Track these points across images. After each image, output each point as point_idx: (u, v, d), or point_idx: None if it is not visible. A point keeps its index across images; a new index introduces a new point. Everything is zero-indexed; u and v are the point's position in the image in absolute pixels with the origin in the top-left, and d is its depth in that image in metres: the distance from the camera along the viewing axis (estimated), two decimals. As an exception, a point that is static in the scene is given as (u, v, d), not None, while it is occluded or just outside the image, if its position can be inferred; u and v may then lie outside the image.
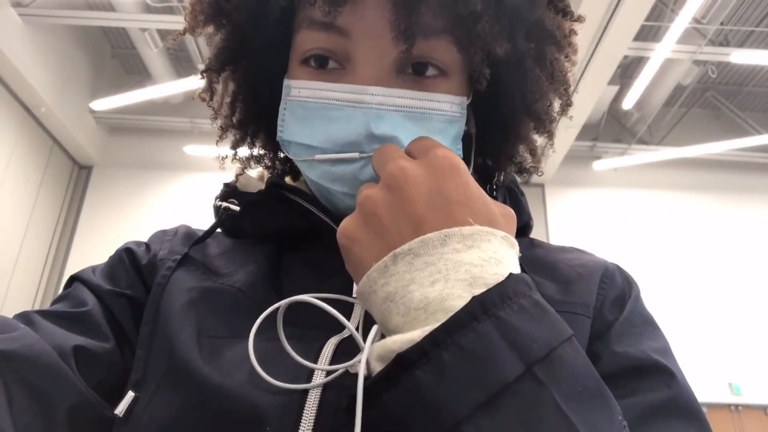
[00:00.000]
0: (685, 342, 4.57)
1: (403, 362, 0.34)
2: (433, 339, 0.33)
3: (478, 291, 0.35)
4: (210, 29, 0.56)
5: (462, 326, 0.33)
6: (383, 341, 0.37)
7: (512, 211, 0.44)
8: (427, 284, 0.36)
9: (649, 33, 4.58)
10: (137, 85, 5.05)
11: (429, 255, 0.37)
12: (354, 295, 0.47)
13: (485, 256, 0.37)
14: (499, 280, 0.36)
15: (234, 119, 0.62)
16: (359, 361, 0.37)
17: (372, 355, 0.37)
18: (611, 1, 3.42)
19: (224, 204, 0.60)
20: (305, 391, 0.42)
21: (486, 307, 0.34)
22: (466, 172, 0.41)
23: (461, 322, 0.33)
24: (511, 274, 0.36)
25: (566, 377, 0.33)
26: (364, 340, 0.39)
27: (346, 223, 0.41)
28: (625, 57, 4.45)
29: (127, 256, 0.57)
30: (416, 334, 0.34)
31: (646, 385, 0.46)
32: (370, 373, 0.37)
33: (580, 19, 0.55)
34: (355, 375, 0.36)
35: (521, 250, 0.54)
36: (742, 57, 4.51)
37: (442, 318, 0.34)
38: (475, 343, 0.33)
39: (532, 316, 0.35)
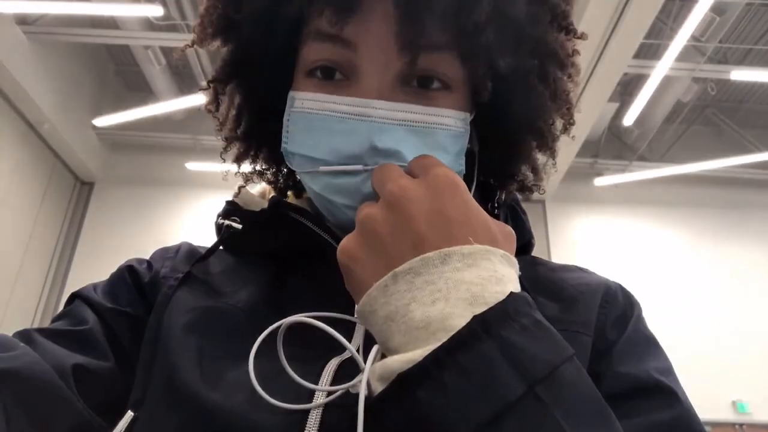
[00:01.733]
0: (688, 360, 4.54)
1: (404, 382, 0.33)
2: (434, 358, 0.33)
3: (478, 310, 0.35)
4: (218, 42, 0.56)
5: (463, 345, 0.33)
6: (384, 361, 0.37)
7: (511, 229, 0.44)
8: (428, 303, 0.36)
9: (648, 51, 4.62)
10: (140, 102, 5.08)
11: (429, 274, 0.37)
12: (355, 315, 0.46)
13: (485, 275, 0.37)
14: (500, 299, 0.35)
15: (239, 131, 0.62)
16: (360, 382, 0.37)
17: (373, 375, 0.37)
18: (611, 19, 3.46)
19: (226, 222, 0.60)
20: (306, 412, 0.42)
21: (487, 326, 0.34)
22: (466, 191, 0.41)
23: (463, 341, 0.33)
24: (511, 292, 0.36)
25: (568, 396, 0.33)
26: (366, 360, 0.38)
27: (346, 242, 0.41)
28: (625, 74, 4.48)
29: (128, 273, 0.57)
30: (417, 354, 0.34)
31: (649, 406, 0.46)
32: (371, 393, 0.37)
33: (583, 36, 0.56)
34: (357, 395, 0.36)
35: (523, 269, 0.54)
36: (741, 75, 4.54)
37: (443, 337, 0.34)
38: (476, 362, 0.32)
39: (534, 335, 0.34)
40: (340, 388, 0.41)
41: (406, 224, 0.39)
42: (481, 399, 0.31)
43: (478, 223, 0.40)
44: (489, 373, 0.32)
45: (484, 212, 0.42)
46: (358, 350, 0.45)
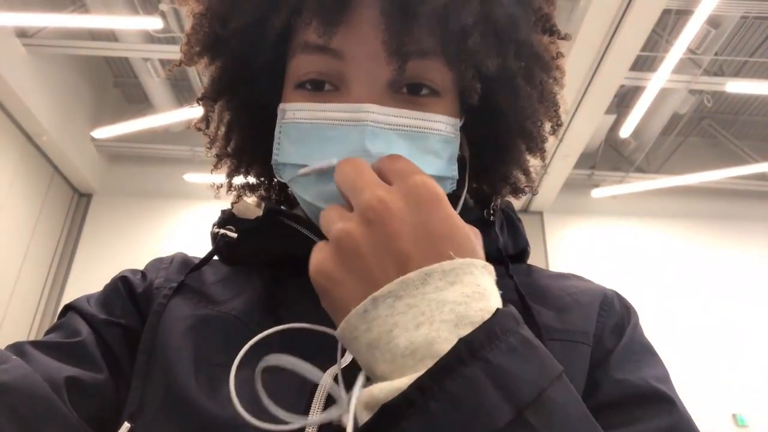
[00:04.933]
0: (687, 373, 4.52)
1: (388, 413, 0.32)
2: (419, 387, 0.32)
3: (464, 331, 0.34)
4: (205, 60, 0.56)
5: (449, 372, 0.32)
6: (370, 389, 0.35)
7: (476, 229, 0.42)
8: (412, 328, 0.34)
9: (645, 63, 4.64)
10: (138, 114, 5.09)
11: (411, 296, 0.35)
12: None
13: (468, 292, 0.35)
14: (485, 317, 0.34)
15: (229, 148, 0.62)
16: (346, 411, 0.36)
17: (359, 402, 0.36)
18: (607, 32, 3.48)
19: (221, 231, 0.60)
20: (301, 429, 0.41)
21: (473, 349, 0.32)
22: (447, 203, 0.40)
23: (448, 368, 0.32)
24: (497, 309, 0.35)
25: (557, 419, 0.32)
26: (358, 369, 0.38)
27: (320, 261, 0.38)
28: (622, 86, 4.50)
29: (122, 284, 0.57)
30: (403, 382, 0.33)
31: (647, 413, 0.45)
32: (358, 423, 0.36)
33: (566, 36, 0.56)
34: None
35: (519, 276, 0.53)
36: (736, 87, 4.56)
37: (430, 364, 0.33)
38: (462, 389, 0.31)
39: (521, 354, 0.33)
40: (326, 420, 0.39)
41: (388, 242, 0.36)
42: (469, 426, 0.30)
43: (460, 236, 0.38)
44: (476, 399, 0.31)
45: (463, 222, 0.40)
46: (346, 366, 0.44)
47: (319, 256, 0.39)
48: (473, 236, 0.40)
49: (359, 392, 0.36)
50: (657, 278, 5.35)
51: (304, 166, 0.50)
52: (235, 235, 0.58)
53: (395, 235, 0.37)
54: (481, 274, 0.37)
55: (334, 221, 0.39)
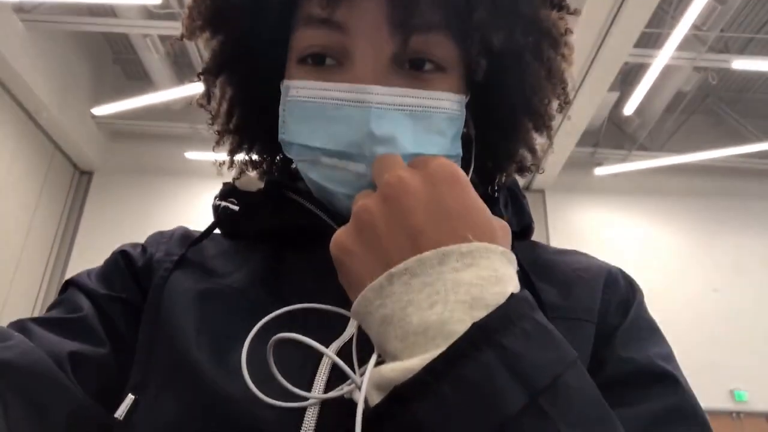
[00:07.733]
0: (686, 349, 4.54)
1: (400, 396, 0.32)
2: (432, 370, 0.32)
3: (478, 313, 0.33)
4: (206, 34, 0.56)
5: (462, 356, 0.32)
6: (380, 368, 0.35)
7: (507, 225, 0.43)
8: (426, 307, 0.34)
9: (649, 40, 4.59)
10: (139, 91, 5.05)
11: (427, 275, 0.35)
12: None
13: (485, 275, 0.35)
14: (500, 301, 0.34)
15: (231, 124, 0.61)
16: (355, 388, 0.36)
17: (370, 381, 0.36)
18: (612, 8, 3.43)
19: (223, 203, 0.59)
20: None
21: (487, 333, 0.32)
22: (467, 183, 0.40)
23: (462, 352, 0.32)
24: (512, 294, 0.35)
25: (571, 406, 0.32)
26: (364, 347, 0.38)
27: (340, 235, 0.40)
28: (626, 63, 4.46)
29: (122, 258, 0.56)
30: (415, 363, 0.33)
31: (652, 392, 0.45)
32: (368, 401, 0.36)
33: (576, 12, 0.55)
34: (357, 388, 0.36)
35: (523, 253, 0.53)
36: (742, 64, 4.52)
37: (442, 344, 0.33)
38: (476, 373, 0.31)
39: (536, 340, 0.33)
40: (335, 395, 0.40)
41: (402, 217, 0.37)
42: (481, 413, 0.30)
43: (478, 216, 0.38)
44: (489, 384, 0.31)
45: (485, 205, 0.40)
46: (350, 340, 0.44)
47: (340, 231, 0.40)
48: (498, 225, 0.40)
49: (371, 371, 0.36)
50: (658, 256, 5.37)
51: (311, 147, 0.50)
52: (236, 207, 0.58)
53: (409, 210, 0.37)
54: (499, 260, 0.37)
55: (358, 200, 0.41)
